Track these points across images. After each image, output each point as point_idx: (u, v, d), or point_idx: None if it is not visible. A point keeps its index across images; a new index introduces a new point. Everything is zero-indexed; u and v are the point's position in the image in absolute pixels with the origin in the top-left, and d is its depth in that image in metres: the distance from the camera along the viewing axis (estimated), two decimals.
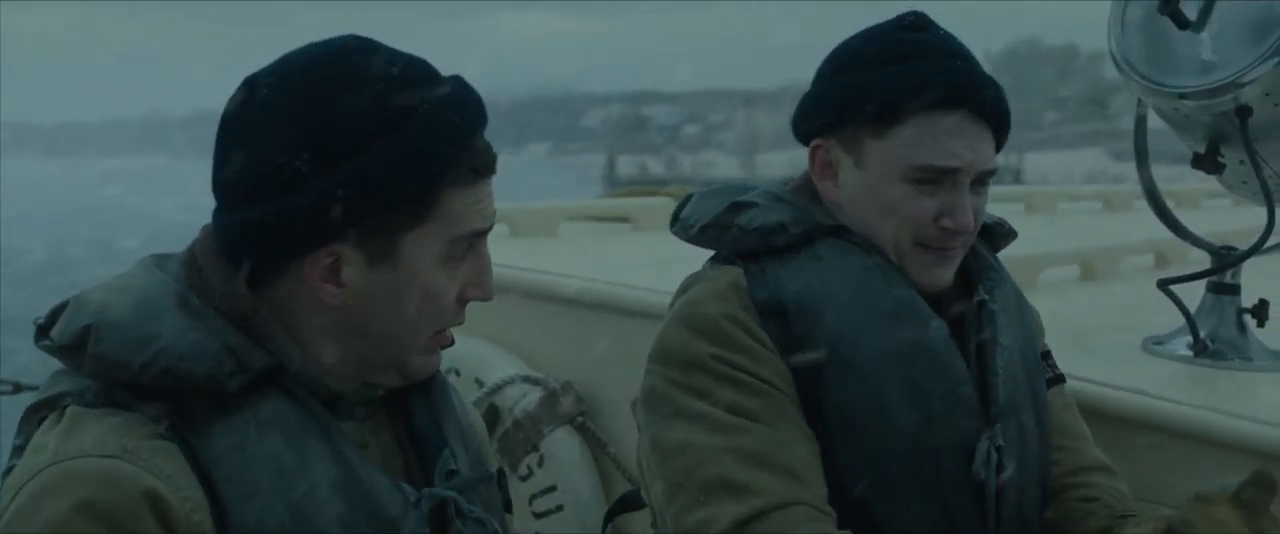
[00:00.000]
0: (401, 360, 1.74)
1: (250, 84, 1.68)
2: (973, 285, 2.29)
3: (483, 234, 1.71)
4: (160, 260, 1.73)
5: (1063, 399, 2.40)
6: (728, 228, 2.26)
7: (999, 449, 2.18)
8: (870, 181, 2.21)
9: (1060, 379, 2.40)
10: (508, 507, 1.96)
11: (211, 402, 1.63)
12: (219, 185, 1.69)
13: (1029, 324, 2.37)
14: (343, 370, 1.72)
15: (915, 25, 2.25)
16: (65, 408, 1.63)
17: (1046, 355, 2.40)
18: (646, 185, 4.60)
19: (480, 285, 1.74)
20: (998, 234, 2.41)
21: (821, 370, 2.15)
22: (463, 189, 1.67)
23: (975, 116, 2.18)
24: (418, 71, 1.68)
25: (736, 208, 2.27)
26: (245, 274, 1.68)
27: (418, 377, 1.78)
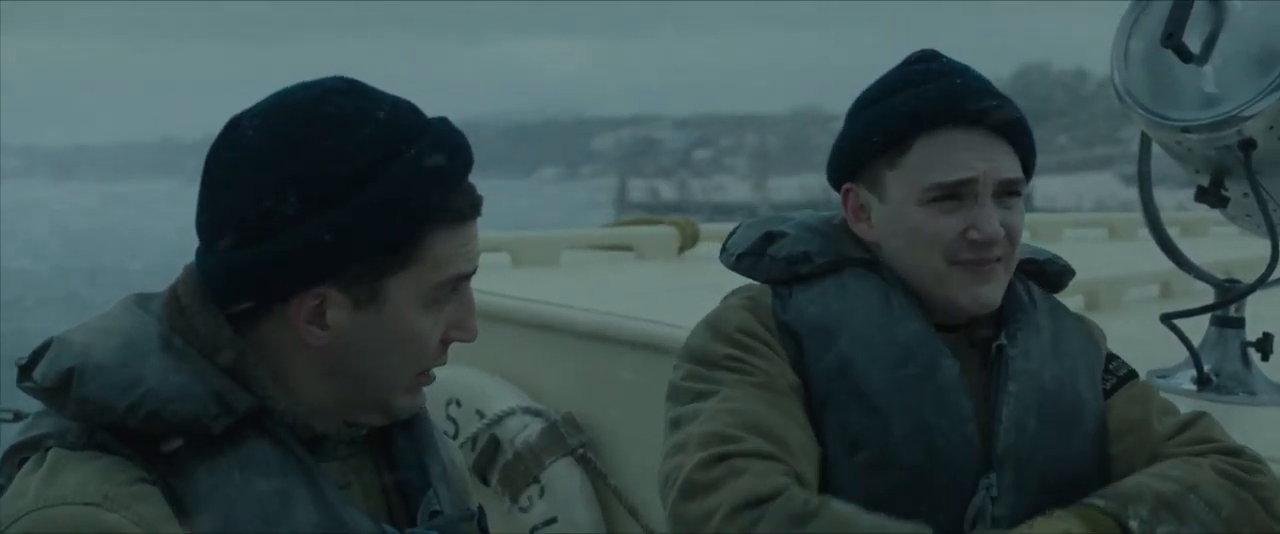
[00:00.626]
0: (385, 401, 1.73)
1: (236, 124, 1.67)
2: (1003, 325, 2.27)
3: (467, 277, 1.70)
4: (142, 300, 1.72)
5: (1131, 392, 2.31)
6: (761, 256, 2.30)
7: (993, 499, 2.16)
8: (894, 213, 2.22)
9: (1128, 378, 2.32)
10: None
11: (195, 445, 1.61)
12: (203, 226, 1.68)
13: (1071, 364, 2.30)
14: (325, 410, 1.71)
15: (921, 58, 2.28)
16: (47, 450, 1.60)
17: (1108, 360, 2.34)
18: (657, 209, 4.59)
19: (464, 327, 1.73)
20: (1050, 271, 2.38)
21: (829, 391, 2.17)
22: (448, 233, 1.66)
23: (985, 130, 2.18)
24: (404, 116, 1.67)
25: (770, 237, 2.31)
26: (229, 315, 1.67)
27: (401, 416, 1.77)
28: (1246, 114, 2.58)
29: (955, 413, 2.16)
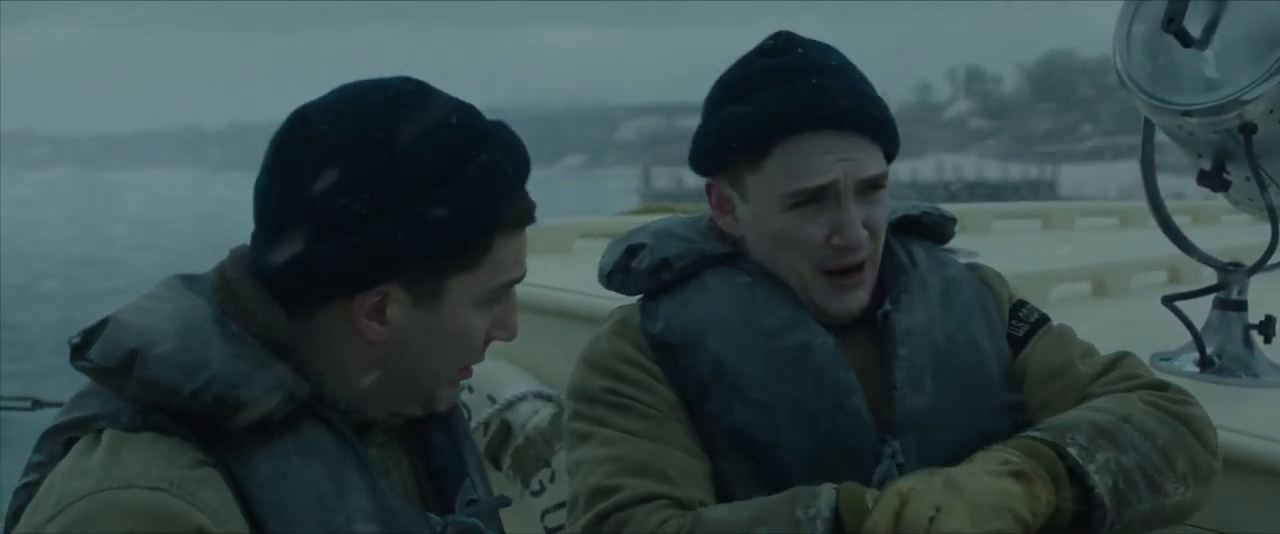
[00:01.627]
0: (428, 394, 1.78)
1: (303, 117, 1.69)
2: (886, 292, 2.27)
3: (518, 280, 1.75)
4: (189, 281, 1.73)
5: (1048, 338, 2.31)
6: (627, 272, 2.34)
7: (899, 466, 2.16)
8: (757, 214, 2.23)
9: (1040, 323, 2.33)
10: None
11: (253, 428, 1.62)
12: (267, 216, 1.69)
13: (963, 316, 2.29)
14: (374, 400, 1.74)
15: (774, 49, 2.24)
16: (99, 431, 1.61)
17: (1017, 308, 2.35)
18: (682, 197, 4.60)
19: (507, 327, 1.79)
20: (927, 223, 2.38)
21: (709, 394, 2.20)
22: (509, 237, 1.71)
23: (842, 131, 2.16)
24: (473, 119, 1.72)
25: (631, 251, 2.34)
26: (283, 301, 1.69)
27: (441, 408, 1.82)
28: (1247, 98, 2.59)
29: (835, 388, 2.18)
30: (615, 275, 2.35)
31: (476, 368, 3.18)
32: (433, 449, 1.85)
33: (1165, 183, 3.01)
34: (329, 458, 1.66)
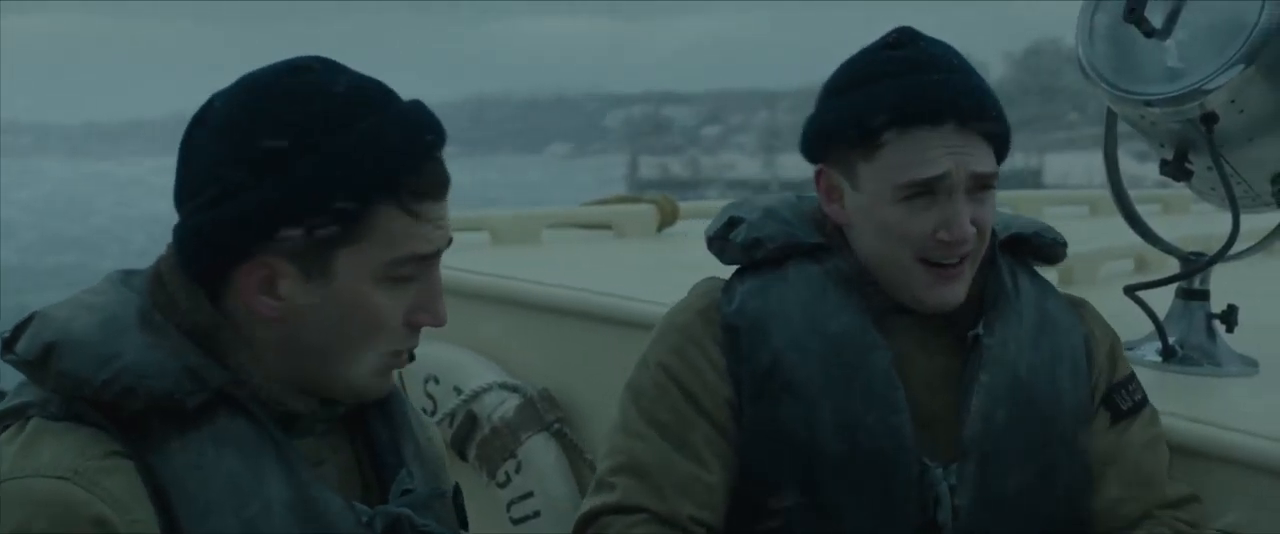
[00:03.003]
0: (349, 380, 1.74)
1: (209, 102, 1.72)
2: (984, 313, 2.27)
3: (426, 258, 1.71)
4: (127, 276, 1.75)
5: (1149, 433, 2.34)
6: (726, 241, 2.35)
7: (951, 488, 2.19)
8: (867, 204, 2.23)
9: (1140, 406, 2.35)
10: (464, 523, 1.99)
11: (170, 418, 1.64)
12: (174, 198, 1.72)
13: (1052, 353, 2.30)
14: (297, 389, 1.73)
15: (897, 42, 2.26)
16: (29, 418, 1.65)
17: (1127, 381, 2.35)
18: (669, 185, 4.59)
19: (429, 311, 1.74)
20: (1037, 245, 2.39)
21: (762, 385, 2.22)
22: (401, 211, 1.67)
23: (957, 126, 2.18)
24: (363, 92, 1.69)
25: (732, 223, 2.35)
26: (205, 289, 1.70)
27: (368, 397, 1.78)
28: (1208, 87, 2.60)
29: (883, 405, 2.19)
30: (715, 242, 2.37)
31: (442, 358, 3.24)
32: (373, 439, 1.83)
33: (1147, 171, 3.01)
34: (247, 448, 1.67)
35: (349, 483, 1.80)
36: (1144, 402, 2.35)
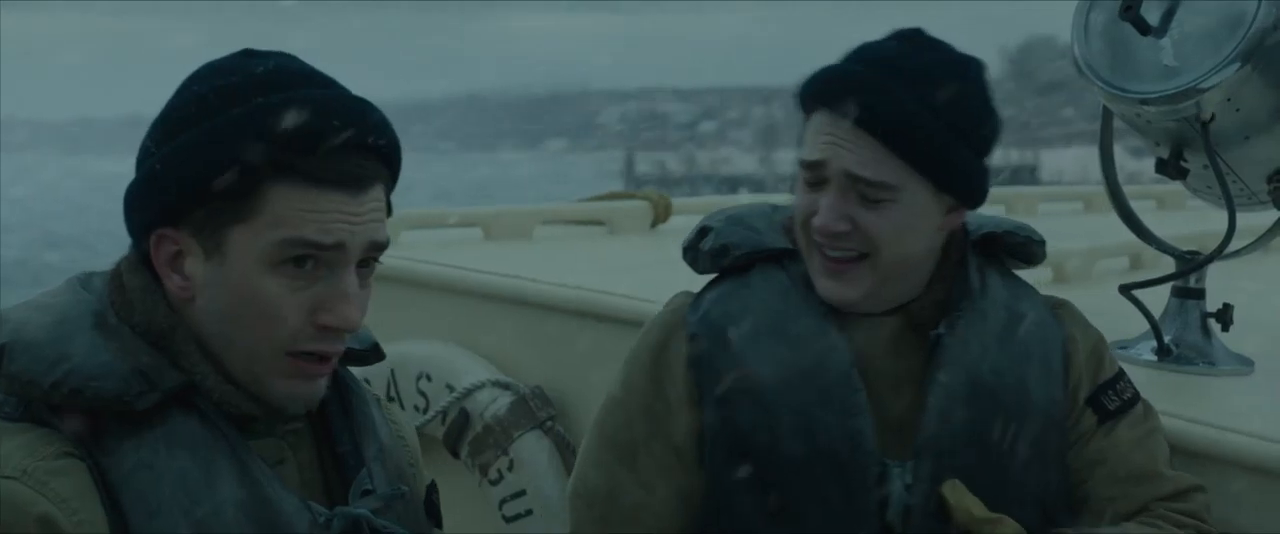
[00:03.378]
0: (260, 381, 1.71)
1: None
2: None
3: (326, 250, 1.67)
4: (86, 279, 1.76)
5: (1139, 430, 2.31)
6: (697, 251, 2.36)
7: (908, 486, 2.18)
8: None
9: (1130, 404, 2.32)
10: (438, 522, 1.97)
11: (124, 419, 1.65)
12: None
13: (1021, 355, 2.28)
14: (238, 390, 1.71)
15: (894, 35, 2.25)
16: None
17: (1114, 380, 2.33)
18: (665, 182, 4.57)
19: (332, 312, 1.69)
20: (1010, 243, 2.35)
21: (726, 392, 2.22)
22: (295, 192, 1.64)
23: (846, 120, 2.16)
24: (282, 74, 1.69)
25: (702, 231, 2.36)
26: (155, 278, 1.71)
27: (285, 406, 1.74)
28: (1204, 86, 2.60)
29: (841, 406, 2.19)
30: (688, 251, 2.38)
31: (434, 355, 3.23)
32: (336, 439, 1.82)
33: (1143, 167, 3.01)
34: (199, 449, 1.66)
35: (310, 483, 1.79)
36: (1134, 400, 2.33)
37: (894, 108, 2.15)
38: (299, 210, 1.65)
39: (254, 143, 1.63)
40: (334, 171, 1.65)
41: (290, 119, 1.64)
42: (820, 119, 2.18)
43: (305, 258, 1.67)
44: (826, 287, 2.22)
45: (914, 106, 2.16)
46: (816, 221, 2.18)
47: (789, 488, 2.19)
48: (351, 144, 1.66)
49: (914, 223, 2.19)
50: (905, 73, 2.17)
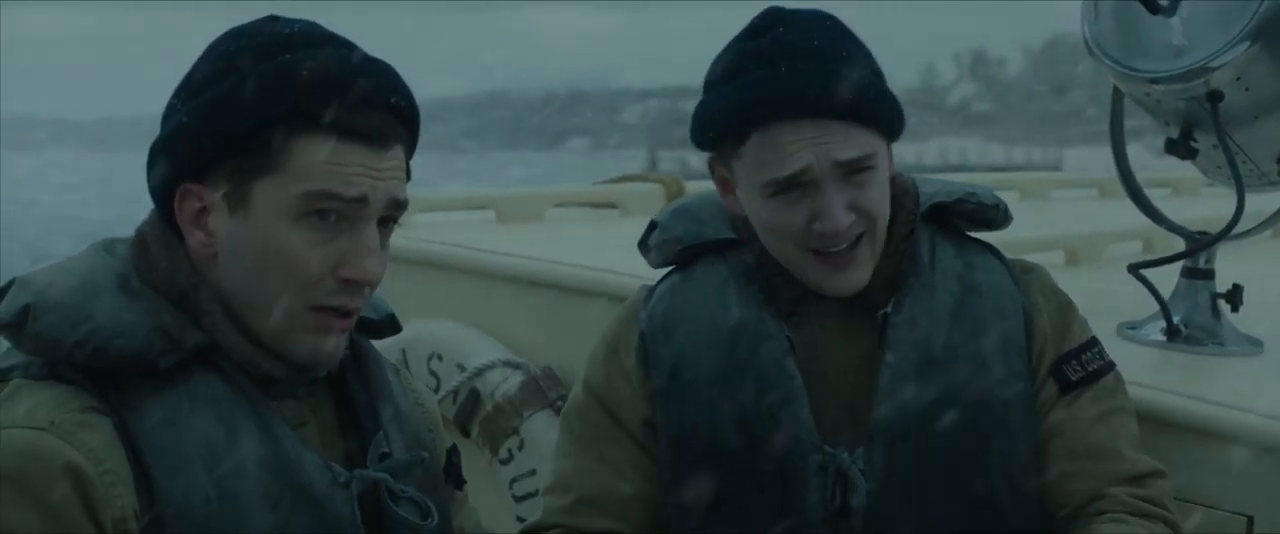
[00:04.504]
0: (284, 338, 1.73)
1: None
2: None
3: (350, 202, 1.69)
4: (109, 244, 1.79)
5: (1103, 404, 2.24)
6: (646, 246, 2.36)
7: (862, 472, 2.14)
8: (747, 200, 2.21)
9: (1098, 374, 2.25)
10: (458, 483, 1.99)
11: (147, 377, 1.67)
12: None
13: (976, 329, 2.21)
14: (270, 350, 1.74)
15: (757, 30, 2.20)
16: (11, 380, 1.69)
17: (1084, 348, 2.26)
18: (686, 179, 4.56)
19: (355, 266, 1.71)
20: (963, 210, 2.28)
21: (669, 388, 2.22)
22: (318, 145, 1.67)
23: (811, 118, 2.11)
24: (308, 35, 1.71)
25: (652, 227, 2.35)
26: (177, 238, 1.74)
27: (309, 363, 1.76)
28: (1213, 65, 2.59)
29: (776, 394, 2.16)
30: (640, 246, 2.37)
31: (445, 335, 3.24)
32: (353, 403, 1.84)
33: (1165, 165, 3.00)
34: (222, 407, 1.69)
35: (331, 447, 1.81)
36: (1102, 371, 2.25)
37: (841, 81, 2.12)
38: (323, 163, 1.67)
39: (279, 95, 1.66)
40: (357, 126, 1.68)
41: (316, 72, 1.66)
42: (777, 132, 2.11)
43: (328, 211, 1.69)
44: (836, 282, 2.17)
45: (852, 74, 2.13)
46: (824, 227, 2.12)
47: (731, 481, 2.18)
48: (375, 102, 1.69)
49: (885, 179, 2.19)
50: (822, 50, 2.14)
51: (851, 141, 2.12)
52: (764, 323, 2.20)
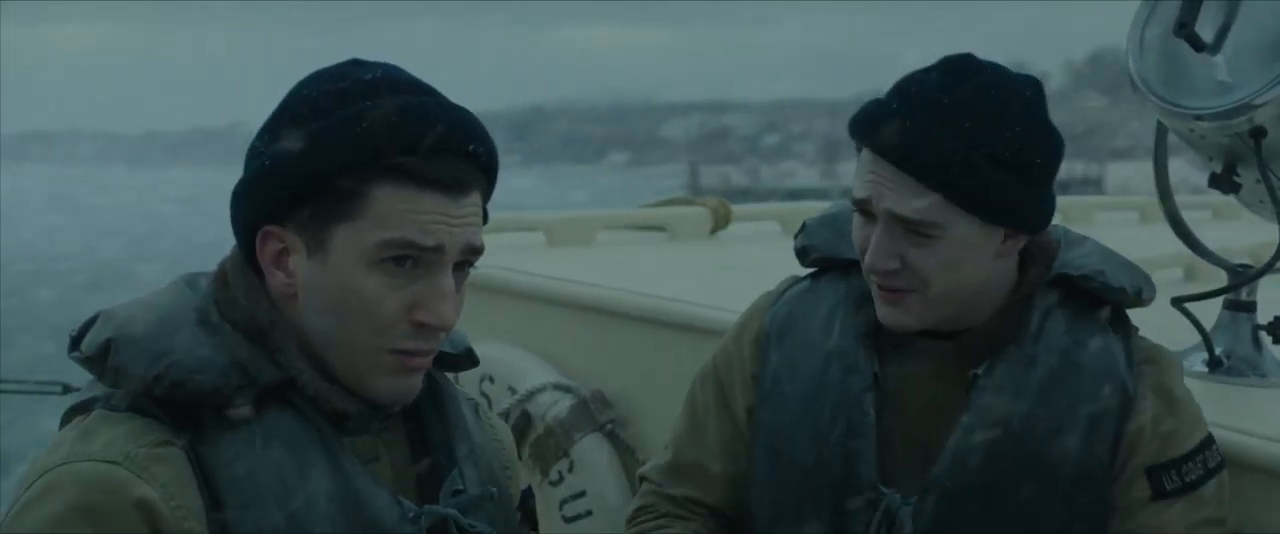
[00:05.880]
0: (360, 378, 1.76)
1: None
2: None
3: (427, 251, 1.71)
4: (191, 279, 1.82)
5: (1181, 517, 2.22)
6: (796, 246, 2.45)
7: (912, 516, 2.18)
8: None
9: (1195, 485, 2.24)
10: (534, 525, 2.03)
11: (223, 412, 1.71)
12: None
13: (1061, 409, 2.20)
14: (345, 387, 1.77)
15: (941, 65, 2.20)
16: (93, 411, 1.73)
17: (1168, 466, 2.22)
18: (730, 194, 4.60)
19: (431, 310, 1.73)
20: (1084, 288, 2.26)
21: (769, 390, 2.32)
22: (397, 192, 1.69)
23: (892, 160, 2.13)
24: (390, 81, 1.74)
25: (801, 227, 2.46)
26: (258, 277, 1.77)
27: (387, 401, 1.79)
28: (1257, 102, 2.61)
29: (848, 425, 2.23)
30: (795, 247, 2.46)
31: (497, 358, 3.29)
32: (428, 438, 1.87)
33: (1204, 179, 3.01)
34: (295, 443, 1.72)
35: (403, 482, 1.84)
36: (1198, 482, 2.24)
37: (930, 146, 2.11)
38: (401, 211, 1.69)
39: (360, 142, 1.68)
40: (435, 174, 1.70)
41: (394, 119, 1.68)
42: (866, 155, 2.17)
43: (405, 258, 1.71)
44: (884, 313, 2.22)
45: (951, 143, 2.10)
46: (867, 261, 2.18)
47: (794, 492, 2.27)
48: (452, 148, 1.71)
49: (964, 256, 2.16)
50: (944, 108, 2.12)
51: (918, 204, 2.12)
52: (856, 355, 2.27)
